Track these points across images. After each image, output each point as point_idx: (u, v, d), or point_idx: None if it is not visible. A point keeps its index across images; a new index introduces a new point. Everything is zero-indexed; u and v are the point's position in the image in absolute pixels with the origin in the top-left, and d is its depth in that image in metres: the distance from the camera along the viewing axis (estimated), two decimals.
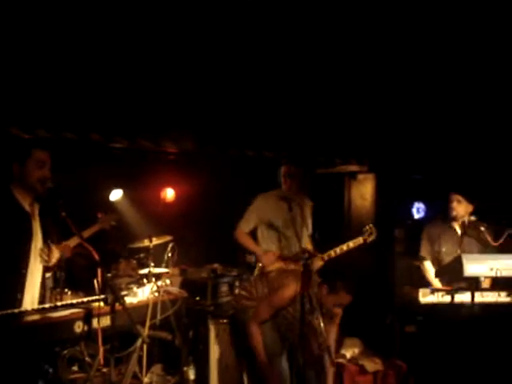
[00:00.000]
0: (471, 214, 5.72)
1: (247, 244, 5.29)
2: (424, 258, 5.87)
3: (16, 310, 3.50)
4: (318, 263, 5.15)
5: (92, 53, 4.85)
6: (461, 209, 5.70)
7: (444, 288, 5.33)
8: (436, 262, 5.79)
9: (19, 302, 3.65)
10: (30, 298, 3.76)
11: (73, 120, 5.21)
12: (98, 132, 5.46)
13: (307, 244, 5.29)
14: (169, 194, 7.63)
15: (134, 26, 4.71)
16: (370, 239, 5.38)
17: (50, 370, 3.58)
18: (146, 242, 6.22)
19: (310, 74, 5.57)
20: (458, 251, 5.64)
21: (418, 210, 7.50)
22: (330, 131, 6.28)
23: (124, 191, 6.98)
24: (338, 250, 5.26)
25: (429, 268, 5.81)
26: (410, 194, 7.33)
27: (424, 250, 5.88)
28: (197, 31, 4.85)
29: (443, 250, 5.75)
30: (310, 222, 5.48)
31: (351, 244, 5.31)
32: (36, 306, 3.71)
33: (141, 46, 4.91)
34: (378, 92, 5.86)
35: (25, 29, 4.58)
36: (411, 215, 7.44)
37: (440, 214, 6.02)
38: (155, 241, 6.22)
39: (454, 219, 5.75)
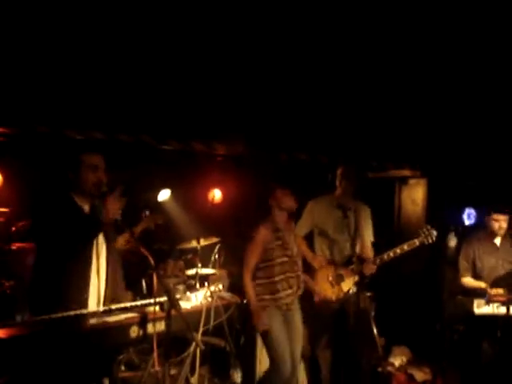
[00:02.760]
0: None
1: (301, 248, 5.22)
2: (462, 276, 5.85)
3: (72, 313, 3.51)
4: (370, 268, 5.02)
5: (149, 56, 4.85)
6: (506, 225, 5.76)
7: (499, 299, 5.21)
8: (481, 279, 5.75)
9: (85, 302, 3.68)
10: (95, 298, 3.78)
11: (126, 122, 5.24)
12: (150, 134, 5.48)
13: (366, 250, 5.21)
14: (216, 195, 7.64)
15: (189, 33, 4.70)
16: (429, 241, 5.08)
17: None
18: (194, 243, 6.23)
19: (365, 78, 5.49)
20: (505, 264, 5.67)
21: (468, 216, 7.37)
22: (383, 136, 6.20)
23: (172, 192, 7.00)
24: (391, 253, 5.01)
25: (472, 281, 5.77)
26: (460, 200, 7.21)
27: (462, 267, 5.87)
28: (253, 38, 4.83)
29: (486, 265, 5.76)
30: (369, 227, 5.34)
31: (405, 247, 5.02)
32: (98, 308, 3.72)
33: (198, 50, 4.89)
34: (434, 98, 5.75)
35: (77, 29, 4.60)
36: (462, 221, 7.32)
37: (476, 231, 6.05)
38: (203, 242, 6.22)
39: (498, 235, 5.79)
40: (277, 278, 4.69)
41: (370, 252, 5.20)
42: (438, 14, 4.70)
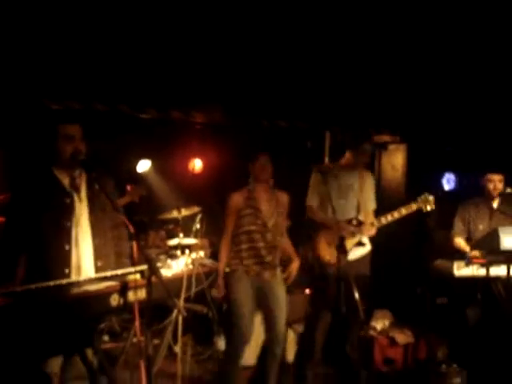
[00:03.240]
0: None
1: (316, 216, 5.16)
2: (455, 236, 5.88)
3: (51, 283, 3.47)
4: (368, 229, 5.01)
5: (123, 25, 4.78)
6: (501, 186, 5.75)
7: (479, 260, 5.24)
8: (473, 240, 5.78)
9: (67, 276, 3.66)
10: (83, 269, 3.79)
11: (103, 91, 5.17)
12: (127, 103, 5.42)
13: (367, 216, 5.12)
14: (197, 164, 7.60)
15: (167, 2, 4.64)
16: (428, 208, 5.14)
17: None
18: (175, 213, 6.21)
19: (343, 44, 5.45)
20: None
21: (448, 181, 7.41)
22: (363, 101, 6.17)
23: (152, 162, 6.96)
24: (389, 216, 5.00)
25: (462, 243, 5.79)
26: (440, 165, 7.24)
27: (457, 228, 5.90)
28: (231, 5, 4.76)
29: (480, 228, 5.77)
30: (371, 194, 5.28)
31: (403, 211, 5.02)
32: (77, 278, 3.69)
33: (171, 18, 4.82)
34: (412, 63, 5.73)
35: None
36: (441, 186, 7.35)
37: (474, 191, 6.02)
38: (184, 212, 6.20)
39: (494, 197, 5.79)
40: (243, 246, 4.69)
41: (371, 218, 5.13)
42: None
